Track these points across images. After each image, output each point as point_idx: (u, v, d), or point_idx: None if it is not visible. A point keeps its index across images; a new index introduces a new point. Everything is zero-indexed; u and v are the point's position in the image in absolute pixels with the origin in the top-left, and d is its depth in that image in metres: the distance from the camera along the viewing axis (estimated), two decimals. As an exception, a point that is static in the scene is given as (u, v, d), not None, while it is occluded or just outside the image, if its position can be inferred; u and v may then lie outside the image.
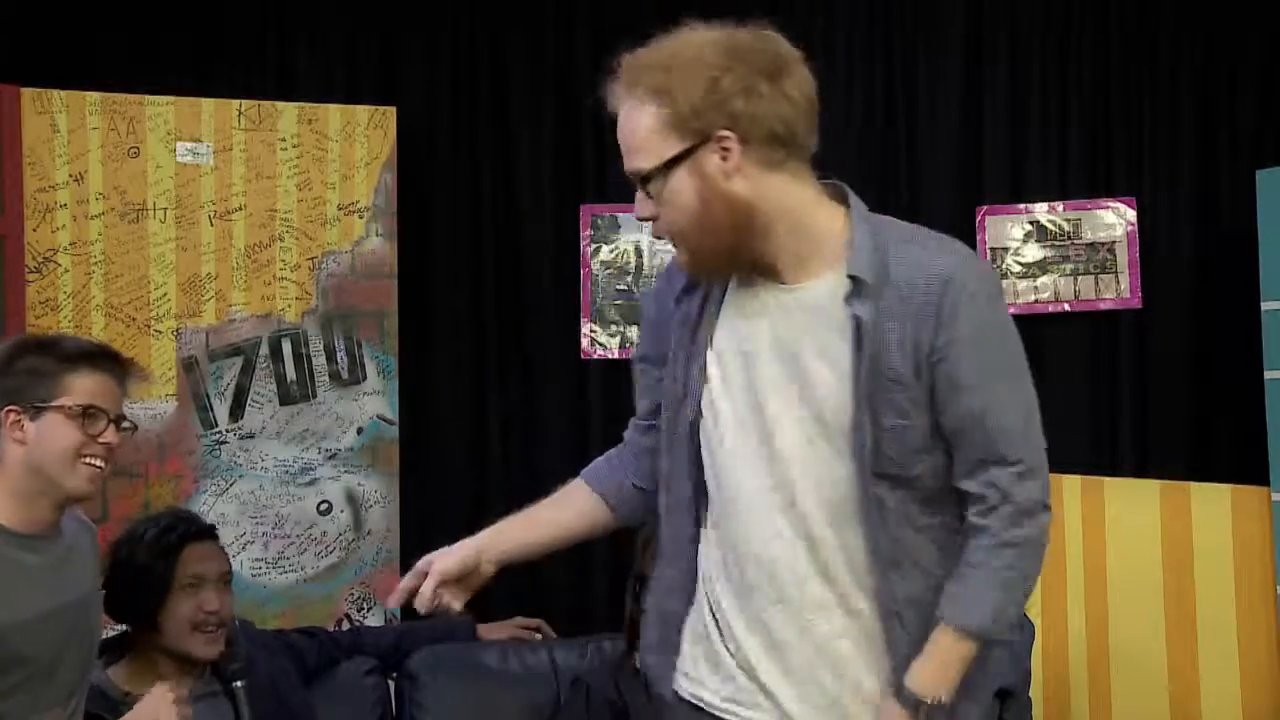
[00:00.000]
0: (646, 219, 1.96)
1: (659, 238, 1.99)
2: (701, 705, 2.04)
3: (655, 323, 2.13)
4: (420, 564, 2.03)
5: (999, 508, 1.90)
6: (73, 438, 2.49)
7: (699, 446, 2.03)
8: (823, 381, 1.95)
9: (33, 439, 2.48)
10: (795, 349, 1.99)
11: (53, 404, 2.48)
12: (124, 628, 3.02)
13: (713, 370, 2.01)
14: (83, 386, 2.52)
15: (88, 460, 2.51)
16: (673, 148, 1.88)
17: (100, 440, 2.50)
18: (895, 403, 1.92)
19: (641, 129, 1.90)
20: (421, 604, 2.01)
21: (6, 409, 2.49)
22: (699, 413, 2.02)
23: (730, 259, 1.95)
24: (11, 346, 2.59)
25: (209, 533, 3.04)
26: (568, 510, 2.14)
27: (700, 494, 2.05)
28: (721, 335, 2.02)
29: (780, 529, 1.97)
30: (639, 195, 1.94)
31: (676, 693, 2.09)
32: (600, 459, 2.20)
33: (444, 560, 2.00)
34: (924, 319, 1.90)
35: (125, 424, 2.58)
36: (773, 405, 1.98)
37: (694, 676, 2.06)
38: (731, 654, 2.01)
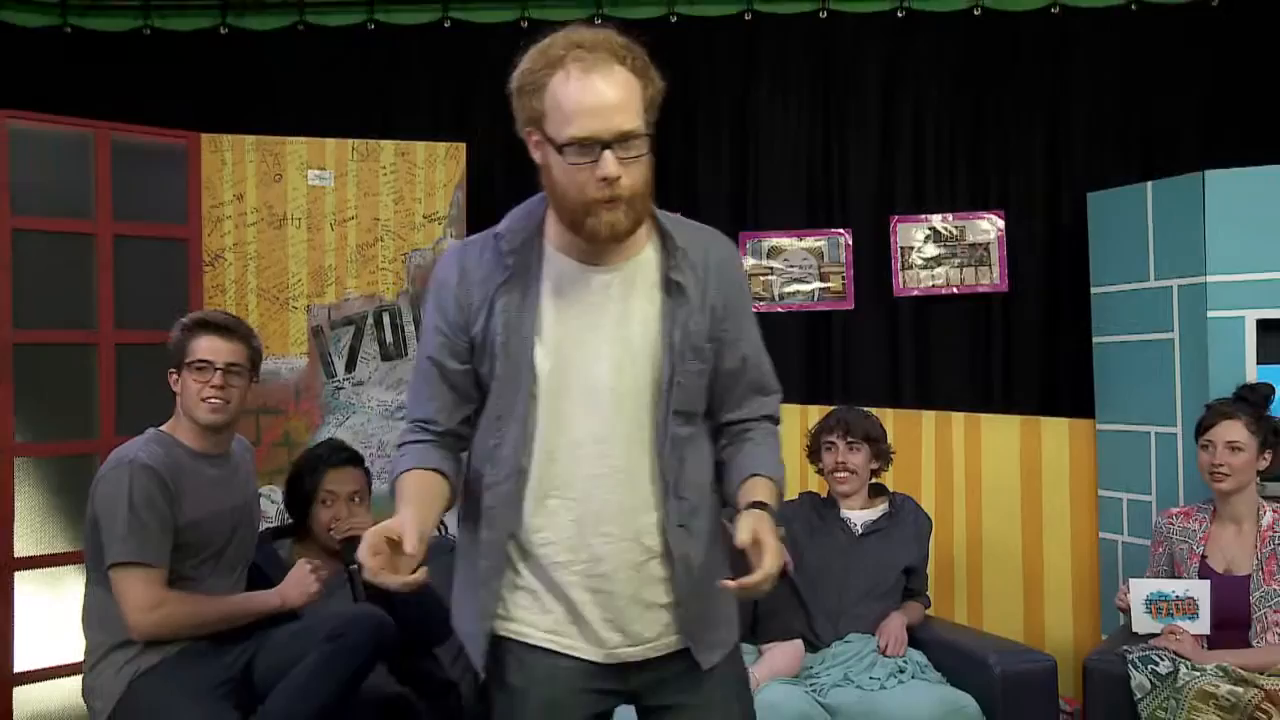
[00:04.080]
0: (611, 178, 1.87)
1: (604, 199, 1.89)
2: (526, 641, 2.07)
3: (464, 310, 2.02)
4: (379, 538, 1.83)
5: (765, 419, 2.15)
6: (192, 386, 2.92)
7: (532, 423, 2.00)
8: (645, 344, 2.02)
9: (181, 390, 2.96)
10: (618, 319, 2.02)
11: (184, 363, 2.93)
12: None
13: (543, 358, 2.00)
14: (198, 347, 2.92)
15: (204, 399, 2.91)
16: (646, 124, 1.92)
17: (210, 385, 2.89)
18: (701, 353, 2.04)
19: (632, 95, 1.90)
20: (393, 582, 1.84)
21: (170, 372, 2.97)
22: (534, 392, 2.00)
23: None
24: (172, 329, 2.98)
25: (348, 460, 3.30)
26: (440, 499, 2.04)
27: (528, 463, 2.01)
28: (549, 321, 2.01)
29: (604, 472, 2.01)
30: (609, 154, 1.86)
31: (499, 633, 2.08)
32: (415, 453, 2.05)
33: (410, 542, 1.83)
34: (717, 286, 2.05)
35: (235, 367, 2.91)
36: (600, 371, 2.01)
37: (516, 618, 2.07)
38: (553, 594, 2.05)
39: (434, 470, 2.04)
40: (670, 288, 2.01)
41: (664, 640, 2.08)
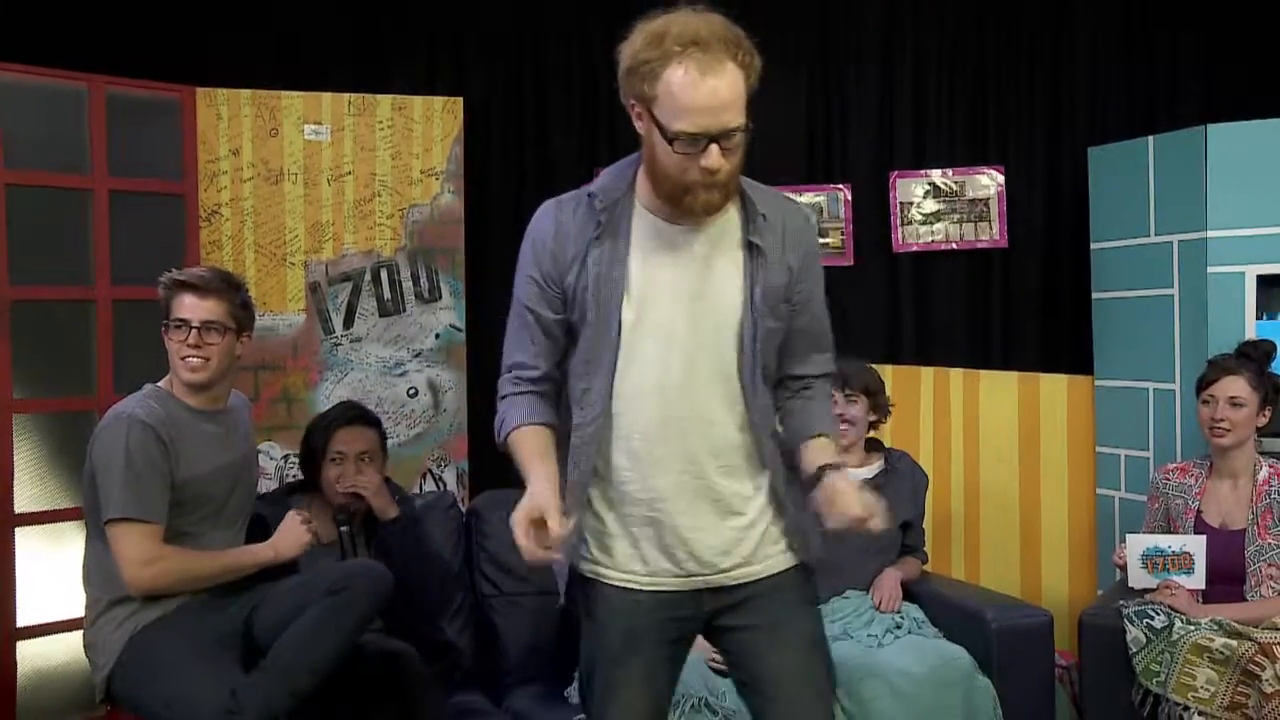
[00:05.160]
0: (715, 169, 2.03)
1: (709, 185, 2.05)
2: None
3: (558, 262, 2.17)
4: (526, 522, 1.98)
5: (823, 377, 2.37)
6: (173, 345, 2.92)
7: (616, 368, 2.17)
8: (724, 300, 2.18)
9: (168, 349, 2.96)
10: (700, 276, 2.17)
11: (167, 322, 2.94)
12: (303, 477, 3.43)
13: (628, 309, 2.16)
14: (176, 306, 2.92)
15: (183, 358, 2.91)
16: (747, 115, 2.04)
17: (188, 344, 2.89)
18: (777, 311, 2.21)
19: (739, 93, 2.01)
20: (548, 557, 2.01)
21: (163, 329, 2.95)
22: (620, 340, 2.16)
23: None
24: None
25: (358, 419, 3.32)
26: (554, 451, 2.21)
27: (611, 407, 2.19)
28: (636, 274, 2.16)
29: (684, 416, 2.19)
30: (714, 148, 2.01)
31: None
32: (522, 406, 2.23)
33: (553, 521, 1.99)
34: (794, 250, 2.21)
35: (213, 325, 2.90)
36: (680, 323, 2.17)
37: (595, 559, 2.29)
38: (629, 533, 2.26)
39: (544, 425, 2.23)
40: (751, 249, 2.16)
41: (738, 571, 2.27)
